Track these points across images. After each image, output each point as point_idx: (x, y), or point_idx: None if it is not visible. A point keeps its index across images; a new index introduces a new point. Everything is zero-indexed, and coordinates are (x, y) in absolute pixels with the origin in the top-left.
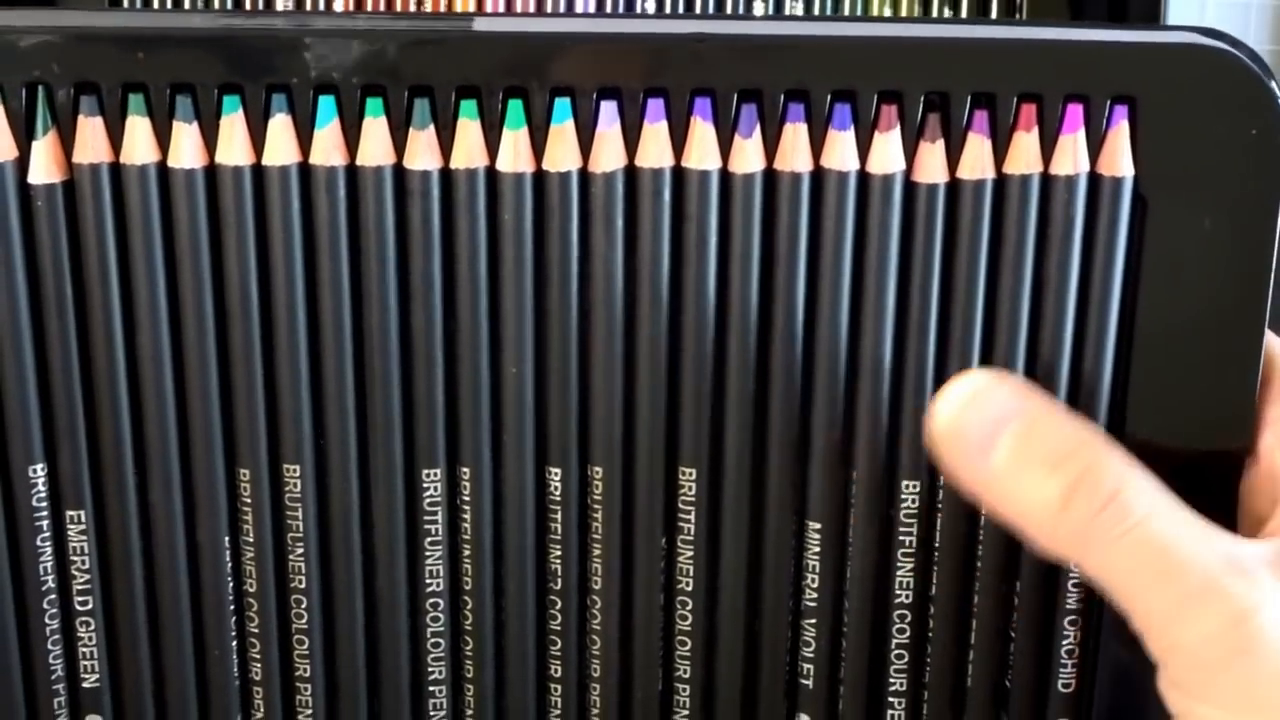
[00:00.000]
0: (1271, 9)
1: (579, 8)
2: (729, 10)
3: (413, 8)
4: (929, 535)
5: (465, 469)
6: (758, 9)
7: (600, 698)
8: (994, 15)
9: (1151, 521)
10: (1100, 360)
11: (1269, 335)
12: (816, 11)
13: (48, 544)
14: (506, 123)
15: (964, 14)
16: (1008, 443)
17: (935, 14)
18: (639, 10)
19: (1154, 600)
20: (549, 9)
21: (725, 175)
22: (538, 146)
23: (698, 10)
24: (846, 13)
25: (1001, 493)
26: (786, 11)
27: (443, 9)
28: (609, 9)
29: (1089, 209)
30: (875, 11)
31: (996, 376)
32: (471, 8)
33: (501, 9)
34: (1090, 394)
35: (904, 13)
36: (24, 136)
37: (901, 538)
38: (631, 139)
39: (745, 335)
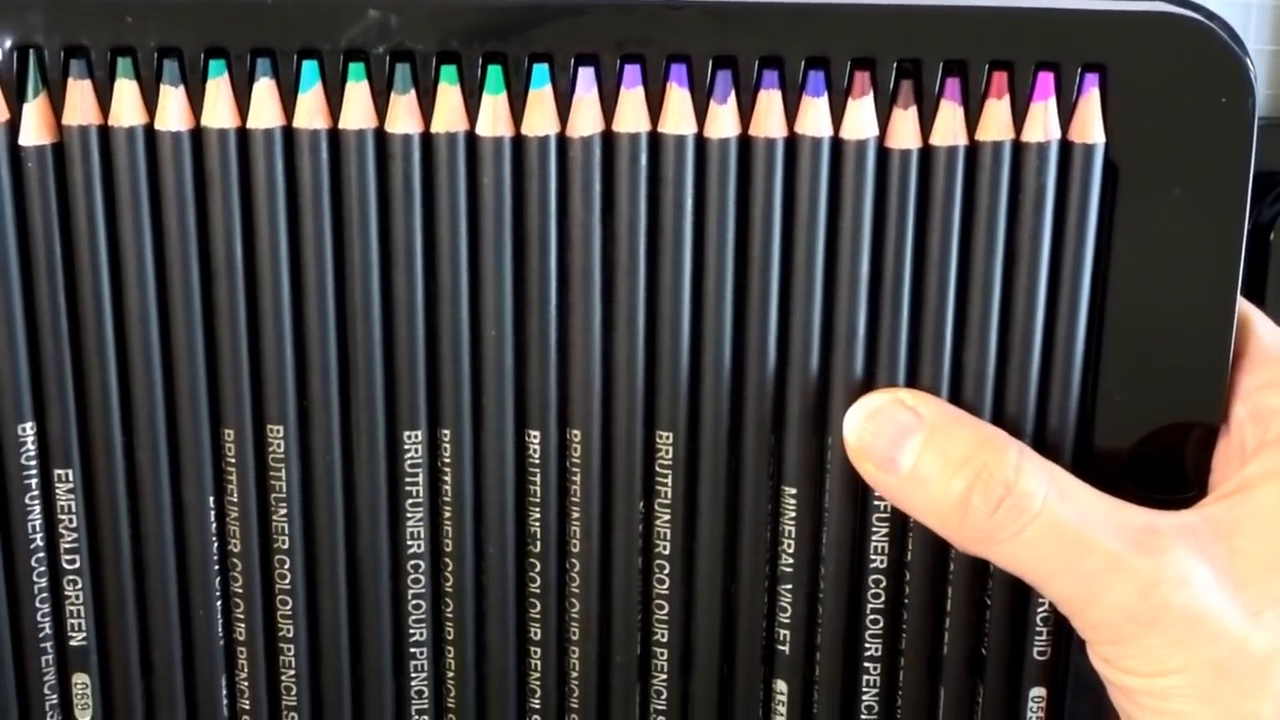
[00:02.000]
0: (1271, 9)
1: None
2: None
3: None
4: None
5: (446, 431)
6: None
7: (579, 660)
8: None
9: (1049, 511)
10: (1073, 326)
11: (1242, 303)
12: None
13: (36, 503)
14: (486, 88)
15: None
16: (911, 451)
17: None
18: None
19: (1064, 585)
20: None
21: (701, 141)
22: (516, 112)
23: None
24: None
25: (911, 499)
26: None
27: None
28: None
29: (1060, 176)
30: None
31: (896, 394)
32: None
33: None
34: (1063, 361)
35: None
36: (15, 99)
37: (876, 503)
38: (609, 105)
39: (721, 299)
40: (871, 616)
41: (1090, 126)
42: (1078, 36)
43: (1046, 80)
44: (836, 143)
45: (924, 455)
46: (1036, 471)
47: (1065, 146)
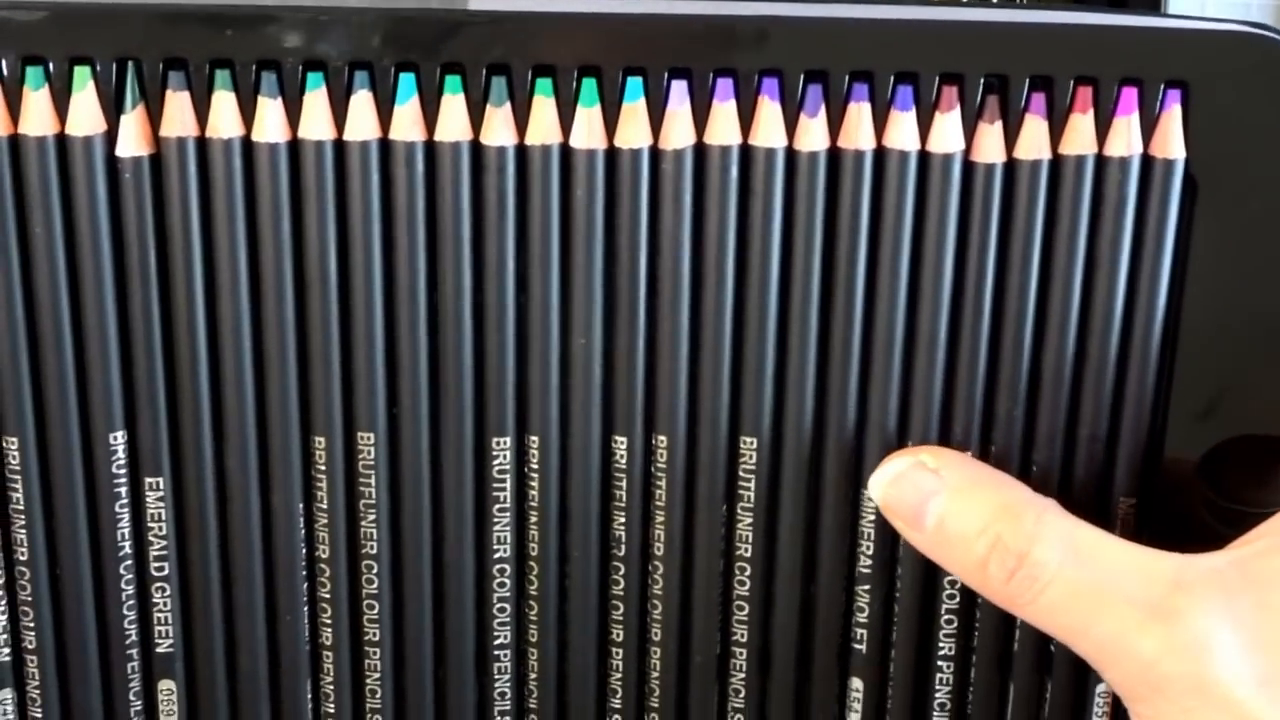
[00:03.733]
0: (1272, 9)
1: None
2: None
3: None
4: None
5: (534, 437)
6: None
7: (660, 661)
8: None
9: (1063, 577)
10: (1148, 339)
11: None
12: None
13: (126, 510)
14: (580, 100)
15: None
16: (931, 518)
17: None
18: None
19: (1084, 645)
20: None
21: (791, 153)
22: (610, 124)
23: None
24: None
25: (939, 556)
26: None
27: None
28: None
29: (1141, 190)
30: None
31: (918, 455)
32: None
33: None
34: (1138, 373)
35: None
36: (113, 110)
37: None
38: (700, 118)
39: (807, 309)
40: (946, 616)
41: (1171, 141)
42: (1160, 54)
43: (1130, 95)
44: (923, 156)
45: (945, 518)
46: (1052, 537)
47: (1146, 161)
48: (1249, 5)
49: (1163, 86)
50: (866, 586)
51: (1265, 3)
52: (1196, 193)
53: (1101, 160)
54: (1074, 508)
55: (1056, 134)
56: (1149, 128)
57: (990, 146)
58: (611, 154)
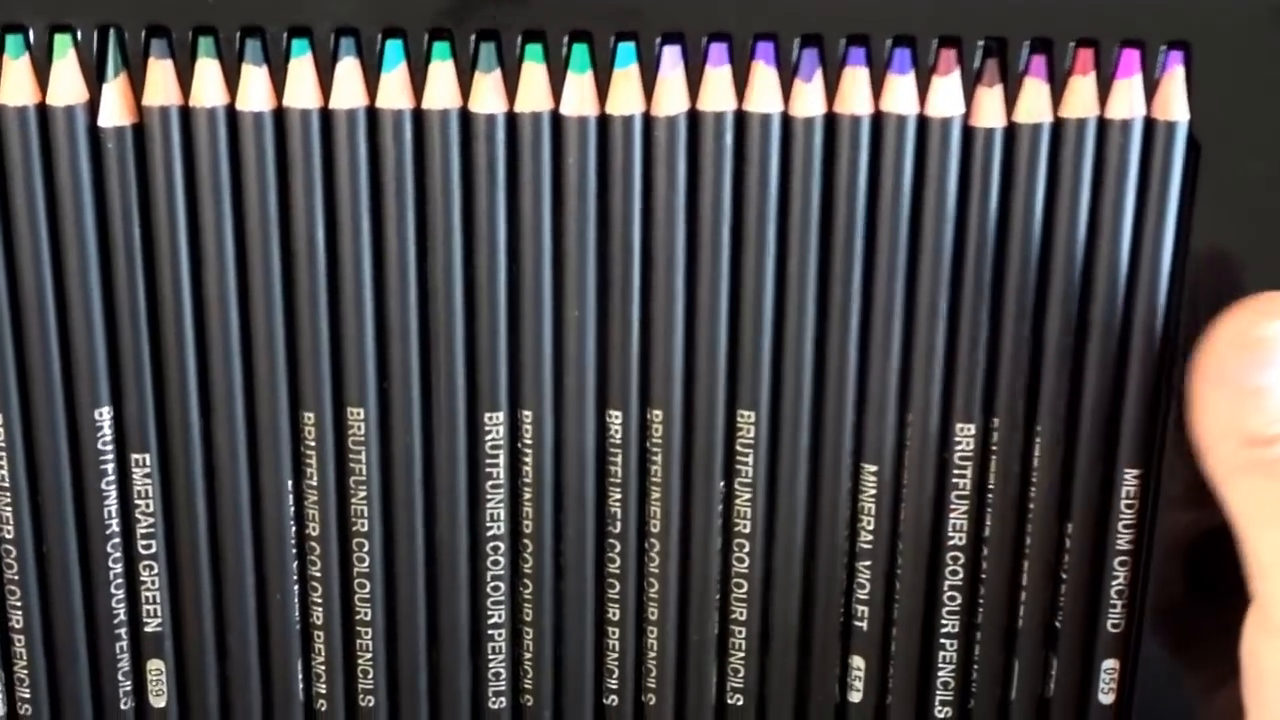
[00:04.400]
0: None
1: None
2: None
3: None
4: (982, 478)
5: (527, 412)
6: None
7: (658, 640)
8: None
9: None
10: (1152, 305)
11: None
12: None
13: (112, 488)
14: (571, 66)
15: None
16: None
17: None
18: None
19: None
20: None
21: (786, 119)
22: (602, 90)
23: None
24: None
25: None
26: None
27: None
28: None
29: (1143, 153)
30: None
31: None
32: None
33: None
34: (1143, 338)
35: None
36: (95, 79)
37: (955, 480)
38: (694, 83)
39: (804, 278)
40: (949, 593)
41: (1174, 104)
42: (1161, 14)
43: (1131, 57)
44: (922, 120)
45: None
46: None
47: (1149, 124)
48: None
49: (1164, 48)
50: (868, 563)
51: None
52: (1199, 155)
53: (1103, 123)
54: (1078, 479)
55: (1057, 97)
56: (1150, 90)
57: (990, 110)
58: (603, 121)
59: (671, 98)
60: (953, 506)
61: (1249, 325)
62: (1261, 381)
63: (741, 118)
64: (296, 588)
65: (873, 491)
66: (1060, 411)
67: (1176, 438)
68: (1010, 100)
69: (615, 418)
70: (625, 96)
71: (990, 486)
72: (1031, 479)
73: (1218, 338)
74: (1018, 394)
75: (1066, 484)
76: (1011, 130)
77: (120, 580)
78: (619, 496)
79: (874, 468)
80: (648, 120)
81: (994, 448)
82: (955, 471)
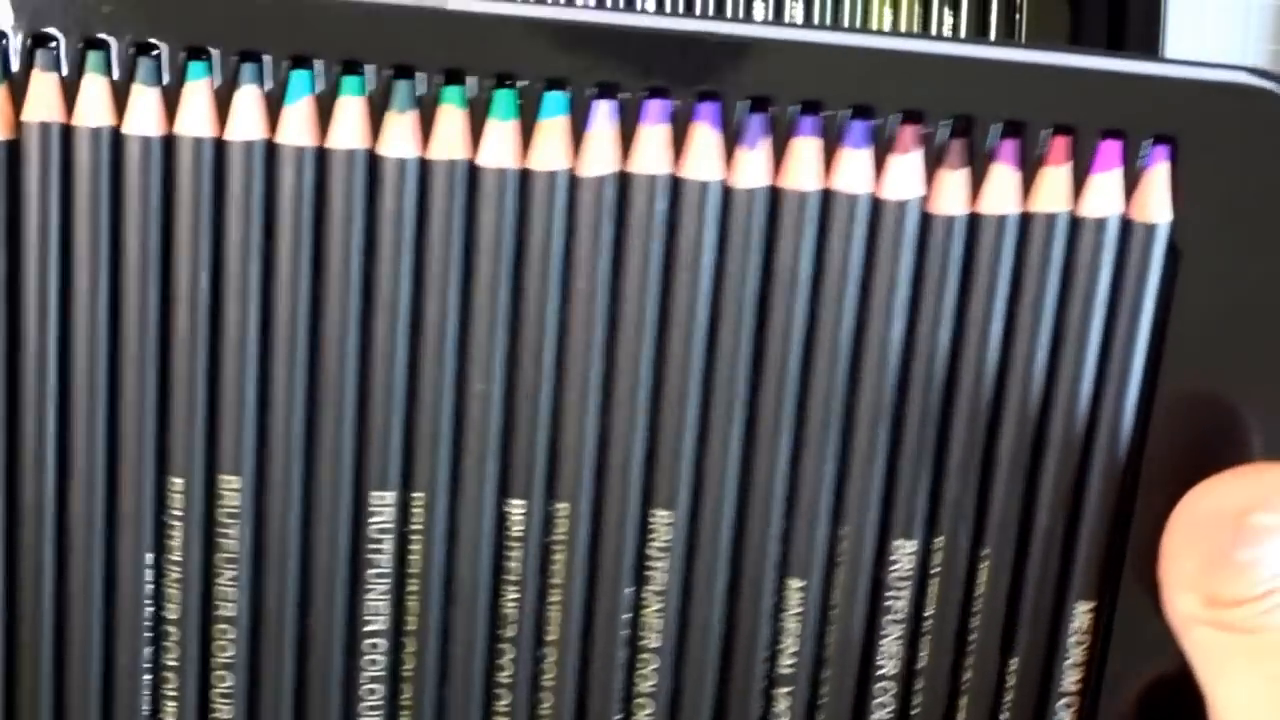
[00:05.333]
0: (1271, 9)
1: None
2: (729, 9)
3: None
4: (920, 602)
5: (419, 494)
6: (758, 8)
7: None
8: (993, 23)
9: None
10: (1117, 423)
11: None
12: (815, 18)
13: None
14: (492, 112)
15: (964, 16)
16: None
17: (935, 16)
18: (639, 8)
19: None
20: None
21: (726, 189)
22: (526, 141)
23: (698, 9)
24: (847, 10)
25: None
26: (786, 9)
27: None
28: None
29: (1118, 256)
30: (876, 10)
31: None
32: None
33: None
34: (1105, 459)
35: (904, 12)
36: None
37: (889, 603)
38: (627, 141)
39: (735, 367)
40: None
41: (1155, 204)
42: (1149, 103)
43: (1112, 149)
44: (876, 202)
45: None
46: None
47: (1125, 224)
48: (1249, 8)
49: (1149, 141)
50: (788, 689)
51: (1266, 4)
52: (1179, 262)
53: (1076, 220)
54: (1024, 609)
55: (1027, 187)
56: (1130, 186)
57: (952, 196)
58: (525, 176)
59: (600, 156)
60: (885, 631)
61: (1240, 503)
62: (1240, 559)
63: (677, 184)
64: (148, 676)
65: (798, 609)
66: (1010, 534)
67: (1135, 572)
68: (975, 187)
69: (517, 507)
70: (549, 151)
71: (928, 612)
72: (974, 606)
73: (1202, 503)
74: (964, 512)
75: (1012, 614)
76: (974, 220)
77: None
78: (515, 595)
79: (800, 582)
80: (573, 179)
81: (935, 569)
82: (890, 593)
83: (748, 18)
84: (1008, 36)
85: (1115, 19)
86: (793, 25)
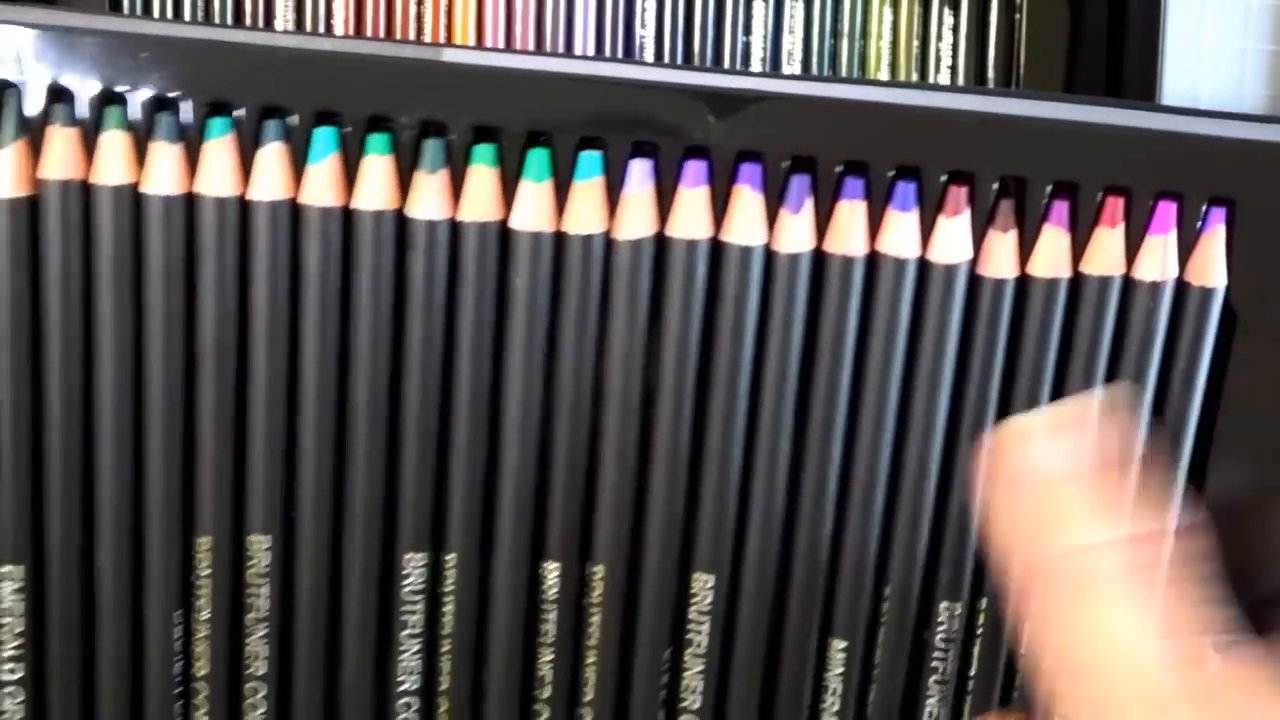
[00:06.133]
0: (1271, 9)
1: (577, 39)
2: (729, 11)
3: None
4: (964, 662)
5: (451, 555)
6: (756, 30)
7: None
8: (993, 22)
9: None
10: (1171, 484)
11: None
12: (815, 37)
13: None
14: (526, 173)
15: (963, 16)
16: None
17: (935, 16)
18: (638, 24)
19: None
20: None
21: (769, 253)
22: (560, 203)
23: (696, 22)
24: (847, 10)
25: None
26: (783, 40)
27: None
28: (607, 44)
29: (1172, 320)
30: (876, 10)
31: None
32: (471, 35)
33: (501, 34)
34: None
35: (903, 12)
36: None
37: (934, 664)
38: (665, 204)
39: (777, 431)
40: None
41: (1211, 267)
42: (1207, 165)
43: (1167, 211)
44: (924, 264)
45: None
46: None
47: (1180, 287)
48: (1249, 7)
49: (1205, 203)
50: None
51: (1265, 4)
52: (1235, 327)
53: (1129, 283)
54: None
55: (1079, 250)
56: (1186, 249)
57: (1002, 259)
58: (559, 238)
59: (637, 219)
60: (928, 693)
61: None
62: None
63: (717, 248)
64: None
65: (840, 670)
66: None
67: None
68: (1025, 249)
69: (551, 569)
70: (584, 213)
71: (971, 673)
72: (1018, 666)
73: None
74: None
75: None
76: (1024, 283)
77: None
78: (550, 658)
79: (843, 643)
80: (609, 242)
81: (979, 630)
82: (934, 654)
83: (747, 68)
84: (1007, 37)
85: (1115, 17)
86: (839, 81)
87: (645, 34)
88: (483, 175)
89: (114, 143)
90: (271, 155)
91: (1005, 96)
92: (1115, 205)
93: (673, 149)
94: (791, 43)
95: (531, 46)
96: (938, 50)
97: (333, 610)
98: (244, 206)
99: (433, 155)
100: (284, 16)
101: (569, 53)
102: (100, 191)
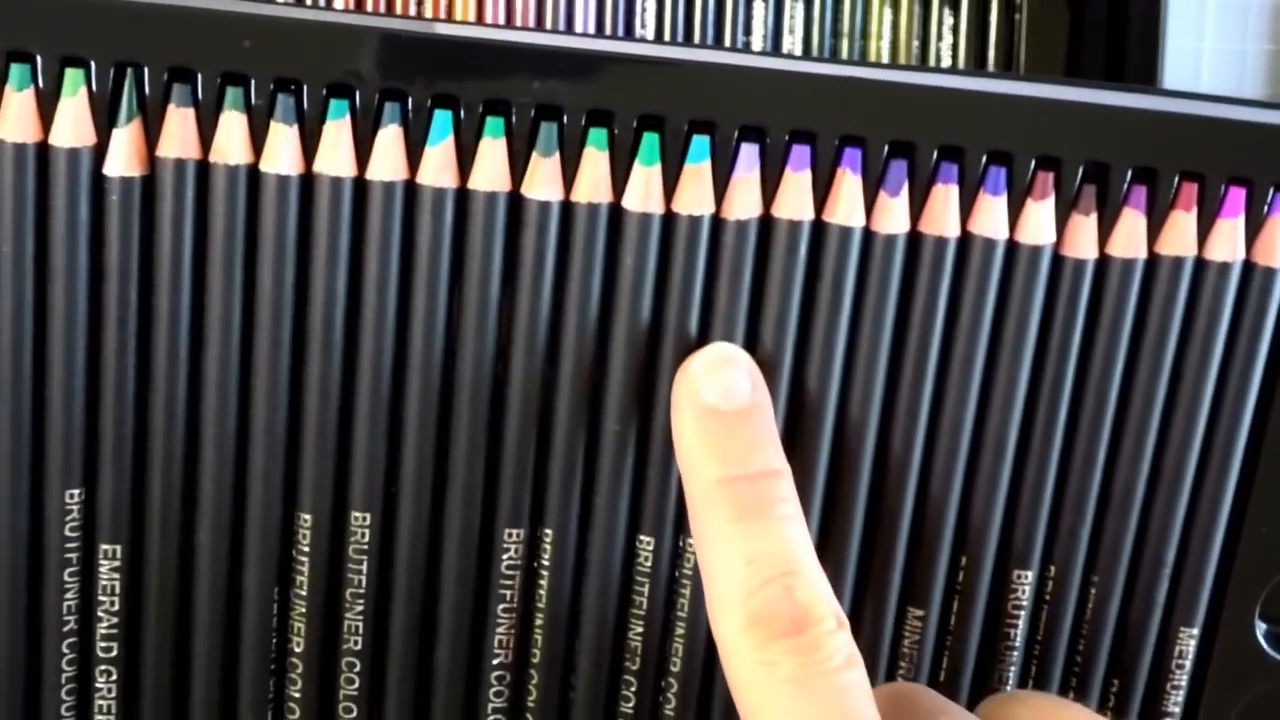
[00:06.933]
0: (1271, 9)
1: (578, 28)
2: (729, 11)
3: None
4: (1033, 628)
5: (548, 530)
6: (755, 30)
7: None
8: (993, 22)
9: None
10: (1227, 461)
11: None
12: (815, 37)
13: (75, 579)
14: (639, 157)
15: (963, 16)
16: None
17: (935, 15)
18: (638, 24)
19: None
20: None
21: (868, 234)
22: (669, 186)
23: (697, 16)
24: (847, 10)
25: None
26: (784, 40)
27: (442, 13)
28: (607, 31)
29: (1238, 299)
30: (875, 10)
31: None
32: (471, 13)
33: (501, 14)
34: (1215, 485)
35: (903, 12)
36: (105, 122)
37: (1006, 629)
38: (771, 186)
39: (868, 403)
40: None
41: (1276, 249)
42: (1273, 153)
43: (1237, 196)
44: (1011, 246)
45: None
46: None
47: (1247, 267)
48: (1249, 7)
49: (1272, 189)
50: None
51: (1265, 4)
52: None
53: (1201, 263)
54: (1130, 635)
55: (1154, 232)
56: (1253, 232)
57: (1083, 240)
58: (669, 219)
59: (745, 200)
60: (1001, 659)
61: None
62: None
63: (820, 228)
64: (270, 710)
65: (916, 637)
66: (1120, 563)
67: (1238, 600)
68: (1104, 231)
69: (646, 543)
70: (694, 195)
71: (1039, 637)
72: (1082, 631)
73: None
74: (1078, 540)
75: (1119, 638)
76: (1103, 263)
77: (73, 685)
78: (640, 630)
79: (920, 612)
80: (716, 223)
81: (1047, 597)
82: (1007, 620)
83: (748, 41)
84: (1007, 37)
85: (1115, 17)
86: (938, 71)
87: (645, 32)
88: (594, 159)
89: (232, 123)
90: (388, 137)
91: (1093, 88)
92: (1190, 190)
93: (777, 134)
94: (791, 42)
95: None
96: (938, 50)
97: (430, 586)
98: (359, 187)
99: (548, 139)
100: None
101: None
102: (217, 170)
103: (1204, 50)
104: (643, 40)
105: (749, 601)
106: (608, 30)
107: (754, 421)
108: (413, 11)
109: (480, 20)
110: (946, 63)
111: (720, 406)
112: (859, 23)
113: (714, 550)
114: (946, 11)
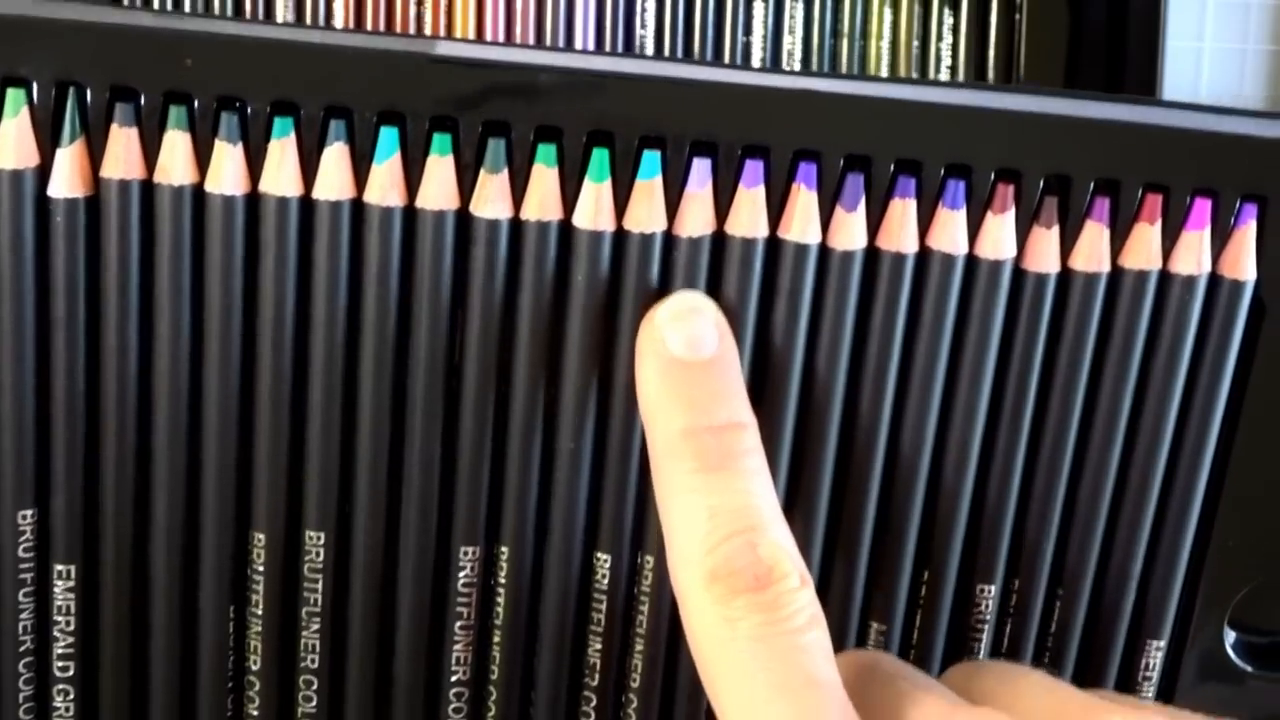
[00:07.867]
0: (1271, 9)
1: (577, 38)
2: (729, 10)
3: (411, 22)
4: (996, 642)
5: (504, 548)
6: (755, 30)
7: None
8: (993, 22)
9: None
10: (1194, 474)
11: None
12: (815, 37)
13: (30, 600)
14: (588, 173)
15: (963, 16)
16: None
17: (935, 15)
18: (638, 24)
19: None
20: (548, 38)
21: (824, 250)
22: (620, 202)
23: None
24: (847, 9)
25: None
26: (783, 40)
27: (442, 23)
28: (607, 43)
29: (1204, 312)
30: (875, 10)
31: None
32: (471, 27)
33: (501, 34)
34: (1181, 501)
35: (903, 12)
36: (48, 142)
37: (970, 644)
38: (724, 202)
39: (827, 419)
40: None
41: (1243, 261)
42: (1241, 162)
43: (1203, 208)
44: (971, 260)
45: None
46: None
47: (1213, 280)
48: (1249, 7)
49: (1239, 200)
50: None
51: (1265, 4)
52: (1263, 319)
53: (1165, 277)
54: (1096, 648)
55: (1118, 244)
56: (1219, 244)
57: (1045, 254)
58: (620, 236)
59: (697, 217)
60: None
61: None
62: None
63: (775, 245)
64: None
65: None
66: (1086, 575)
67: (1205, 613)
68: (1067, 244)
69: (603, 560)
70: (645, 212)
71: (1003, 651)
72: (1047, 644)
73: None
74: (1043, 553)
75: (1085, 650)
76: (1066, 277)
77: (30, 705)
78: (599, 646)
79: (882, 626)
80: (669, 239)
81: (1012, 611)
82: (971, 634)
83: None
84: (1007, 37)
85: (1115, 17)
86: (892, 81)
87: (645, 34)
88: (543, 175)
89: (176, 142)
90: (334, 155)
91: (1052, 96)
92: (1154, 202)
93: (730, 149)
94: (791, 43)
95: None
96: (938, 50)
97: (386, 604)
98: (306, 205)
99: (496, 156)
100: (283, 15)
101: (685, 56)
102: (162, 191)
103: (1204, 50)
104: (585, 53)
105: (711, 556)
106: (607, 31)
107: (720, 373)
108: (413, 22)
109: (481, 31)
110: (947, 63)
111: (686, 357)
112: (859, 23)
113: (676, 503)
114: (946, 11)
